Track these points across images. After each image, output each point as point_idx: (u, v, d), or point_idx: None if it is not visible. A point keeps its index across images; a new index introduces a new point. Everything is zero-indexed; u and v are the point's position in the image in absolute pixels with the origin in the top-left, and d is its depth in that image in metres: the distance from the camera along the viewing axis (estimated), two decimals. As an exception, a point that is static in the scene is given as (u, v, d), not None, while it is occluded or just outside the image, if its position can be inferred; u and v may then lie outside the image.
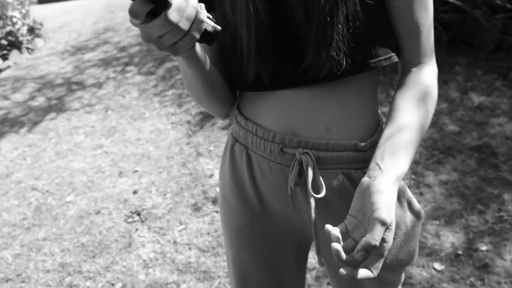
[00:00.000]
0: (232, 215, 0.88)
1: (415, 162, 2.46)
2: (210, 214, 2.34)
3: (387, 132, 0.68)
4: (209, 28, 0.55)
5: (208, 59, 0.71)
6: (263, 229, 0.86)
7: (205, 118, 3.38)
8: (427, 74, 0.73)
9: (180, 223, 2.32)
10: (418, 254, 0.85)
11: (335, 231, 0.57)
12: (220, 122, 3.27)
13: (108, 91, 4.27)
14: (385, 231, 0.55)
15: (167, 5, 0.49)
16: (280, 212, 0.82)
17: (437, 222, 2.03)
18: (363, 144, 0.74)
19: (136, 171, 2.87)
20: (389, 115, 0.71)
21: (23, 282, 2.07)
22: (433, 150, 2.55)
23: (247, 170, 0.81)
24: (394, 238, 0.78)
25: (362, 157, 0.75)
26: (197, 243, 2.15)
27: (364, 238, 0.54)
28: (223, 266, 1.99)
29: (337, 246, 0.54)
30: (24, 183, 2.91)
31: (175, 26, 0.51)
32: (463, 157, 2.45)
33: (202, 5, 0.54)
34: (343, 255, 0.54)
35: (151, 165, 2.91)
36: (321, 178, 0.72)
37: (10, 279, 2.10)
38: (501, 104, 2.89)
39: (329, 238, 0.59)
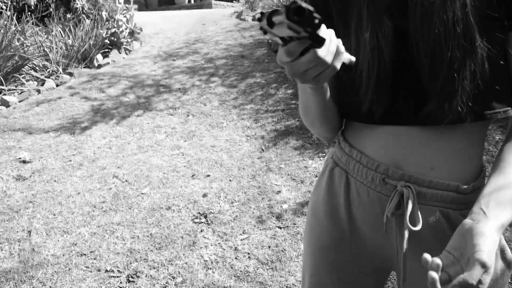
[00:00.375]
0: (320, 232, 0.90)
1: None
2: (273, 229, 2.40)
3: (494, 182, 0.69)
4: (346, 60, 0.60)
5: (328, 88, 0.76)
6: (348, 252, 0.88)
7: (279, 136, 3.48)
8: None
9: (244, 232, 2.40)
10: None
11: (436, 259, 0.59)
12: (293, 142, 3.34)
13: (192, 97, 4.54)
14: (483, 273, 0.56)
15: (323, 43, 0.52)
16: (369, 238, 0.84)
17: None
18: (466, 186, 0.75)
19: (208, 175, 3.02)
20: (496, 165, 0.72)
21: (95, 259, 2.26)
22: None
23: (344, 193, 0.84)
24: None
25: (463, 199, 0.75)
26: (257, 254, 2.21)
27: (462, 275, 0.56)
28: (279, 281, 2.03)
29: (434, 274, 0.56)
30: (107, 169, 3.17)
31: (321, 61, 0.55)
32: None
33: (340, 40, 0.59)
34: (438, 285, 0.56)
35: (223, 172, 3.05)
36: (419, 212, 0.74)
37: (84, 254, 2.30)
38: None
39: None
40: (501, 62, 0.70)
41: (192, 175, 3.04)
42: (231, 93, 4.52)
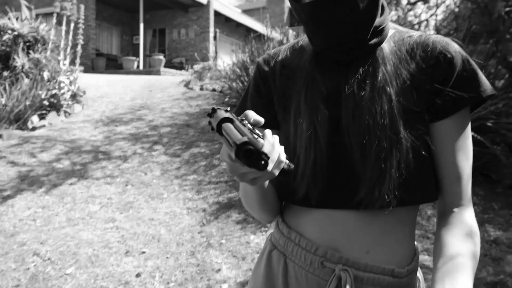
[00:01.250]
0: None
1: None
2: (210, 312, 2.27)
3: (441, 264, 0.72)
4: (285, 166, 0.63)
5: None
6: None
7: (221, 209, 3.42)
8: (469, 216, 0.78)
9: (178, 317, 2.24)
10: None
11: None
12: (235, 216, 3.29)
13: (132, 165, 4.41)
14: None
15: (264, 168, 0.55)
16: None
17: None
18: (401, 270, 0.77)
19: (143, 252, 2.85)
20: (438, 252, 0.75)
21: None
22: (446, 280, 2.47)
23: (282, 277, 0.83)
24: None
25: (398, 284, 0.77)
26: None
27: None
28: None
29: None
30: (27, 246, 2.91)
31: None
32: (478, 293, 2.36)
33: (282, 147, 0.61)
34: None
35: (160, 248, 2.89)
36: None
37: None
38: (518, 243, 2.85)
39: None
40: (424, 153, 0.75)
41: (126, 252, 2.86)
42: (174, 163, 4.46)
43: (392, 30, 0.82)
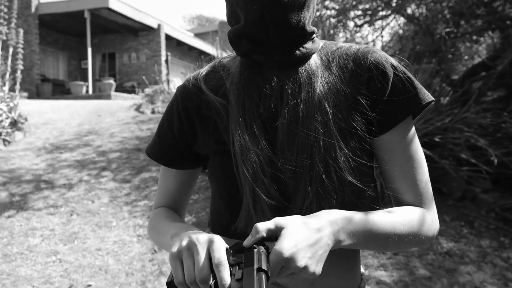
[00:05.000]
0: None
1: (386, 307, 2.36)
2: None
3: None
4: None
5: None
6: None
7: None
8: (428, 214, 0.74)
9: None
10: None
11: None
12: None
13: (78, 193, 4.15)
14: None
15: None
16: None
17: None
18: None
19: (89, 285, 2.63)
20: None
21: None
22: (404, 295, 2.47)
23: None
24: None
25: None
26: None
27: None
28: None
29: None
30: (-40, 286, 2.61)
31: None
32: (435, 306, 2.37)
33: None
34: None
35: (107, 280, 2.69)
36: None
37: None
38: (469, 252, 2.91)
39: None
40: (364, 171, 0.71)
41: (70, 287, 2.62)
42: (123, 189, 4.25)
43: (321, 42, 0.78)
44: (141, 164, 4.95)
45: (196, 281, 0.55)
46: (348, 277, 0.76)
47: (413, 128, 0.76)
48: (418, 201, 0.73)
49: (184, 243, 0.58)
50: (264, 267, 0.54)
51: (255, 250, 0.56)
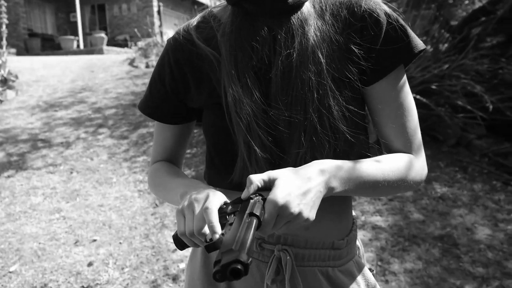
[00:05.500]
0: None
1: (381, 248, 2.46)
2: (169, 294, 2.21)
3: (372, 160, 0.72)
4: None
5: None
6: None
7: (173, 188, 3.32)
8: (416, 160, 0.76)
9: (135, 303, 2.17)
10: None
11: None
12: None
13: (76, 151, 4.18)
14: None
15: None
16: None
17: (402, 316, 1.99)
18: (340, 242, 0.77)
19: (94, 240, 2.73)
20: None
21: None
22: (398, 237, 2.57)
23: None
24: None
25: (339, 255, 0.77)
26: (151, 327, 2.00)
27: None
28: None
29: None
30: (-31, 244, 2.69)
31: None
32: (427, 246, 2.47)
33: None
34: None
35: (112, 234, 2.78)
36: (299, 275, 0.72)
37: None
38: (462, 196, 3.00)
39: None
40: (357, 121, 0.72)
41: (75, 242, 2.71)
42: (121, 145, 4.27)
43: None
44: (137, 120, 4.94)
45: (194, 232, 0.60)
46: (340, 221, 0.79)
47: (405, 76, 0.76)
48: (407, 148, 0.75)
49: (186, 202, 0.64)
50: (256, 212, 0.55)
51: (252, 200, 0.59)
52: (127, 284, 2.30)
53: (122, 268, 2.43)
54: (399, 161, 0.73)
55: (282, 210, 0.57)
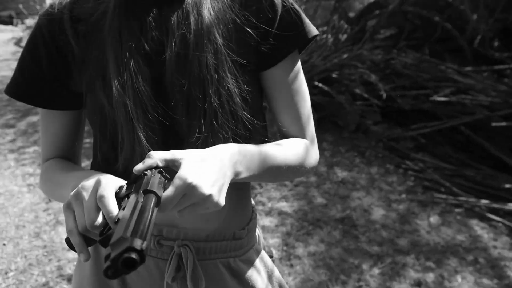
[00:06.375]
0: None
1: (287, 234, 2.52)
2: (63, 297, 2.02)
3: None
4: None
5: None
6: None
7: (69, 181, 3.05)
8: (310, 145, 0.78)
9: (23, 310, 1.94)
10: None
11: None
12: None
13: (-51, 142, 3.63)
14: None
15: None
16: None
17: (306, 295, 2.06)
18: (241, 232, 0.76)
19: (-29, 243, 2.39)
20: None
21: None
22: (303, 221, 2.66)
23: None
24: None
25: (240, 245, 0.77)
26: (42, 335, 1.81)
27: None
28: None
29: None
30: None
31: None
32: (329, 229, 2.59)
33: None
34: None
35: (-6, 235, 2.46)
36: (200, 270, 0.71)
37: None
38: (360, 179, 3.21)
39: None
40: (254, 105, 0.71)
41: None
42: (6, 135, 3.81)
43: None
44: (26, 107, 4.45)
45: (87, 226, 0.51)
46: (241, 211, 0.78)
47: (299, 63, 0.76)
48: (302, 134, 0.76)
49: (73, 192, 0.55)
50: (153, 188, 0.48)
51: (147, 175, 0.51)
52: (13, 289, 2.05)
53: (6, 273, 2.16)
54: (298, 146, 0.73)
55: (192, 190, 0.51)
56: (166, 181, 0.53)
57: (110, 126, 0.68)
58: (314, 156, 0.78)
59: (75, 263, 2.21)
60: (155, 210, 0.46)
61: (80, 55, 0.68)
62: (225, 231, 0.74)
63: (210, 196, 0.53)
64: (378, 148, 3.63)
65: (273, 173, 0.68)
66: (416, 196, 2.98)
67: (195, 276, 0.70)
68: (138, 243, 0.38)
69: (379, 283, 2.15)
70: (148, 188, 0.48)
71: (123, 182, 0.55)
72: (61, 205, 2.50)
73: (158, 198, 0.48)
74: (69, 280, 2.11)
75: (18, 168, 3.24)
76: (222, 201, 0.55)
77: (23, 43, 7.15)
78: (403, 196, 2.98)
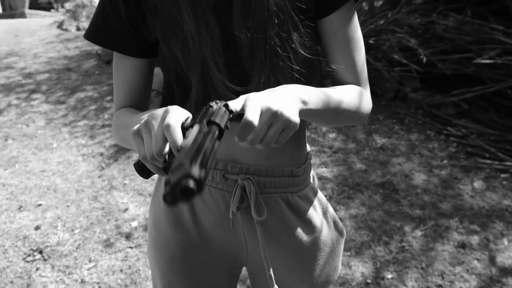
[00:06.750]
0: (165, 244, 0.85)
1: (328, 197, 2.59)
2: (124, 250, 2.20)
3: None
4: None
5: None
6: (198, 257, 0.85)
7: (120, 151, 3.23)
8: (365, 91, 0.80)
9: (90, 261, 2.13)
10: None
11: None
12: (136, 156, 3.14)
13: (9, 118, 3.89)
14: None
15: None
16: (217, 238, 0.83)
17: (348, 253, 2.14)
18: (298, 169, 0.81)
19: (39, 205, 2.61)
20: None
21: None
22: (343, 186, 2.72)
23: None
24: (322, 255, 0.84)
25: (297, 182, 0.82)
26: (108, 282, 1.99)
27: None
28: (137, 305, 1.86)
29: None
30: None
31: None
32: (370, 193, 2.64)
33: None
34: None
35: (58, 198, 2.67)
36: (262, 201, 0.76)
37: None
38: (400, 146, 3.21)
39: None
40: (313, 51, 0.73)
41: (19, 208, 2.58)
42: (59, 110, 4.04)
43: None
44: (74, 84, 4.68)
45: (154, 154, 0.53)
46: (297, 150, 0.83)
47: (355, 12, 0.79)
48: (357, 81, 0.78)
49: (143, 121, 0.56)
50: (216, 120, 0.48)
51: (212, 108, 0.51)
52: (79, 244, 2.25)
53: (72, 230, 2.37)
54: (354, 92, 0.76)
55: (278, 116, 0.53)
56: (231, 115, 0.53)
57: (182, 72, 0.73)
58: (369, 102, 0.80)
59: (131, 222, 2.40)
60: (217, 142, 0.47)
61: (153, 3, 0.72)
62: (283, 168, 0.79)
63: (281, 113, 0.54)
64: (417, 115, 3.60)
65: (332, 112, 0.70)
66: (458, 162, 2.96)
67: (258, 206, 0.76)
68: (196, 171, 0.37)
69: (422, 244, 2.20)
70: (212, 119, 0.48)
71: (189, 114, 0.56)
72: (114, 172, 2.66)
73: (221, 129, 0.48)
74: (127, 237, 2.29)
75: (72, 140, 3.46)
76: (295, 118, 0.56)
77: (65, 26, 7.38)
78: (445, 162, 2.98)
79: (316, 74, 0.77)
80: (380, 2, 3.70)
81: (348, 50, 0.77)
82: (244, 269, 0.94)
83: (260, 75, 0.71)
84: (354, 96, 0.75)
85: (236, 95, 0.64)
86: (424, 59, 3.33)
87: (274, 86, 0.63)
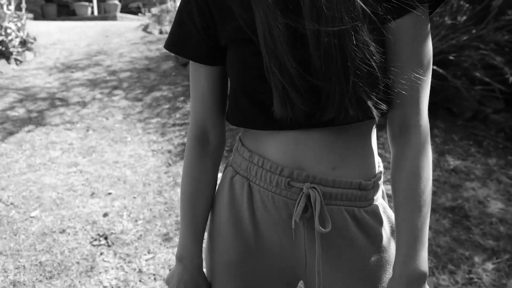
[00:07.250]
0: (224, 248, 0.84)
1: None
2: (181, 246, 2.28)
3: (404, 216, 0.72)
4: None
5: None
6: (255, 264, 0.82)
7: (186, 149, 3.36)
8: (424, 123, 0.75)
9: (149, 252, 2.24)
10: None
11: None
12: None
13: (92, 111, 4.23)
14: None
15: None
16: (276, 247, 0.80)
17: (408, 278, 2.03)
18: (367, 182, 0.76)
19: (109, 193, 2.80)
20: (398, 194, 0.74)
21: (-30, 297, 1.93)
22: (408, 206, 2.58)
23: (247, 202, 0.79)
24: (386, 277, 0.79)
25: (365, 196, 0.76)
26: (164, 274, 2.07)
27: None
28: (188, 301, 1.91)
29: None
30: (-11, 193, 2.78)
31: None
32: (438, 217, 2.48)
33: None
34: None
35: (126, 189, 2.84)
36: (327, 212, 0.73)
37: (-44, 293, 1.95)
38: (475, 170, 2.99)
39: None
40: (382, 60, 0.68)
41: (91, 194, 2.79)
42: (136, 107, 4.31)
43: None
44: (152, 84, 4.97)
45: None
46: (366, 163, 0.78)
47: (428, 24, 0.70)
48: (416, 108, 0.73)
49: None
50: None
51: None
52: (140, 235, 2.37)
53: (136, 220, 2.50)
54: (427, 187, 0.72)
55: None
56: None
57: (249, 77, 0.71)
58: (430, 155, 0.75)
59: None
60: None
61: (224, 6, 0.72)
62: (351, 180, 0.74)
63: None
64: (498, 138, 3.33)
65: (427, 216, 0.72)
66: (542, 193, 2.69)
67: (322, 217, 0.72)
68: None
69: (493, 279, 2.02)
70: None
71: None
72: (179, 169, 2.76)
73: None
74: (185, 233, 2.37)
75: (144, 136, 3.67)
76: None
77: (149, 29, 7.88)
78: (526, 191, 2.72)
79: (380, 86, 0.69)
80: (464, 17, 3.48)
81: (414, 64, 0.69)
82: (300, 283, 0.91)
83: (333, 95, 0.66)
84: (429, 190, 0.72)
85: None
86: (511, 78, 3.08)
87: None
